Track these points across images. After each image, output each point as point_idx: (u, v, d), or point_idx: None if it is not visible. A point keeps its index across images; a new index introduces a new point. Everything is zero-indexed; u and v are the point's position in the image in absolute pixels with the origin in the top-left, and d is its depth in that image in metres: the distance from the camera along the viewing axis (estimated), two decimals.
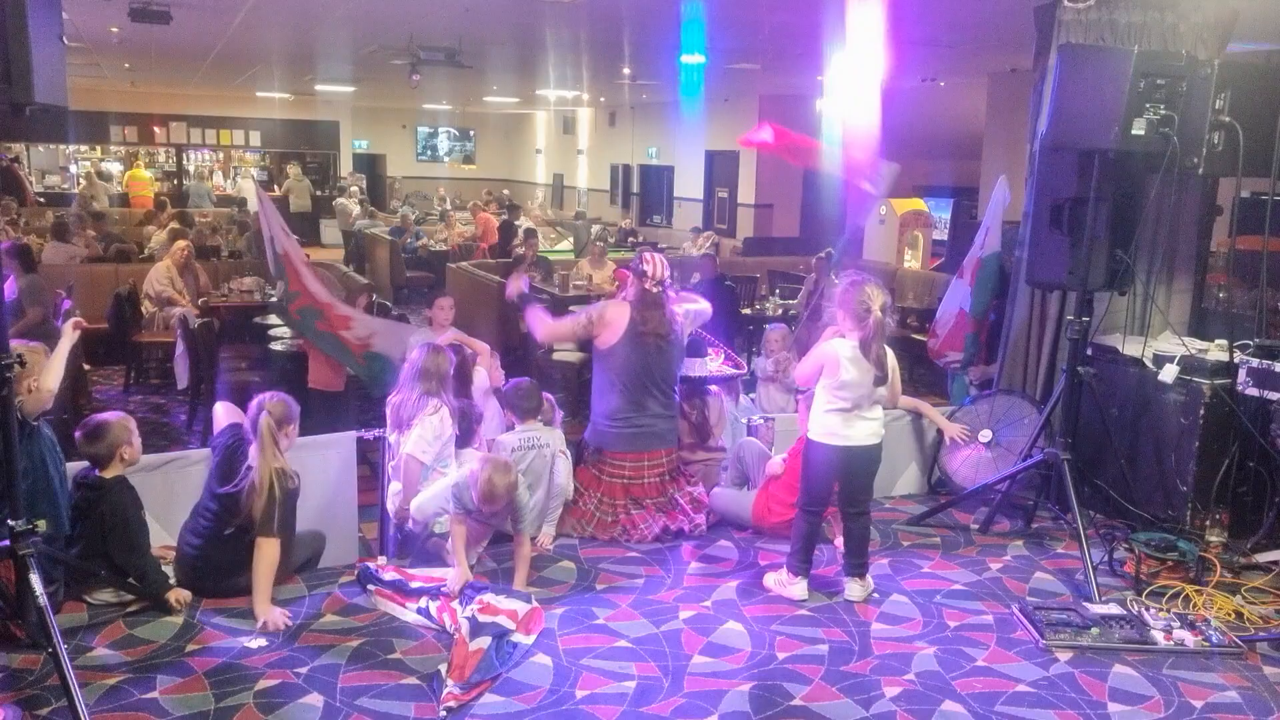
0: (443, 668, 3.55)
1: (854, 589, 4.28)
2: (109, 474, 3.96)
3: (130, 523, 3.93)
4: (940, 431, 5.63)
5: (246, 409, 4.09)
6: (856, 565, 4.30)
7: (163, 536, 4.26)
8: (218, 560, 4.02)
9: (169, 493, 4.29)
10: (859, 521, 4.31)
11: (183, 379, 8.24)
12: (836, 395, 4.12)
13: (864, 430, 4.16)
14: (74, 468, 4.04)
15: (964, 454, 5.57)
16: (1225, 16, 5.32)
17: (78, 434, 4.00)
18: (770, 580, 4.37)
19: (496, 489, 4.02)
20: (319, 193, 21.21)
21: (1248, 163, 4.52)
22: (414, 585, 4.06)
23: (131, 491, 3.99)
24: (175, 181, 22.34)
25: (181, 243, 9.93)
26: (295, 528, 4.14)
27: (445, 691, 3.42)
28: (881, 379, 4.06)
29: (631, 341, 4.87)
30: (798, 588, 4.27)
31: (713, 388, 5.66)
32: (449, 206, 20.55)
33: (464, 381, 5.06)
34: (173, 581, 4.04)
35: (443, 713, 3.33)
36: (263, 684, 3.46)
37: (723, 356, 5.87)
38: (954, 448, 5.60)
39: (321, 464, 4.58)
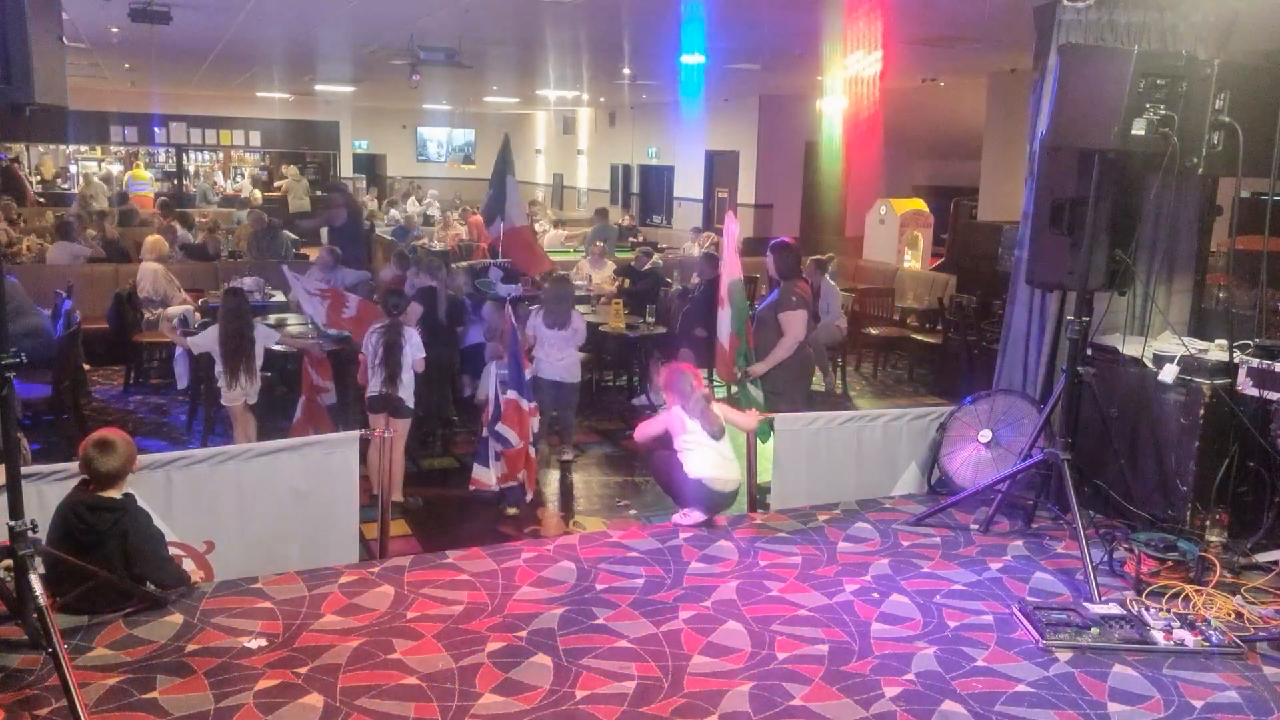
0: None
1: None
2: (116, 493, 3.83)
3: (155, 538, 3.93)
4: (939, 432, 5.66)
5: None
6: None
7: (168, 536, 4.22)
8: None
9: (170, 492, 4.28)
10: None
11: (183, 379, 8.24)
12: (692, 445, 5.19)
13: (728, 465, 5.23)
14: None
15: (964, 454, 5.58)
16: (1225, 16, 5.32)
17: (90, 449, 3.79)
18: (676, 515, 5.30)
19: None
20: (318, 193, 21.24)
21: (1248, 163, 4.52)
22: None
23: (143, 509, 3.95)
24: (175, 181, 22.34)
25: (152, 237, 9.89)
26: None
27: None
28: (717, 432, 5.23)
29: None
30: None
31: None
32: (438, 208, 20.52)
33: None
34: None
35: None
36: (263, 684, 3.46)
37: None
38: (954, 447, 5.60)
39: (322, 464, 4.59)
